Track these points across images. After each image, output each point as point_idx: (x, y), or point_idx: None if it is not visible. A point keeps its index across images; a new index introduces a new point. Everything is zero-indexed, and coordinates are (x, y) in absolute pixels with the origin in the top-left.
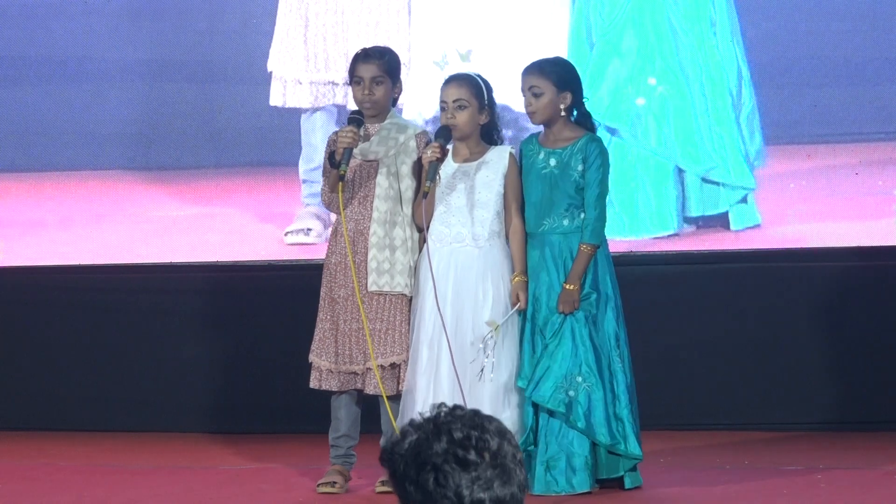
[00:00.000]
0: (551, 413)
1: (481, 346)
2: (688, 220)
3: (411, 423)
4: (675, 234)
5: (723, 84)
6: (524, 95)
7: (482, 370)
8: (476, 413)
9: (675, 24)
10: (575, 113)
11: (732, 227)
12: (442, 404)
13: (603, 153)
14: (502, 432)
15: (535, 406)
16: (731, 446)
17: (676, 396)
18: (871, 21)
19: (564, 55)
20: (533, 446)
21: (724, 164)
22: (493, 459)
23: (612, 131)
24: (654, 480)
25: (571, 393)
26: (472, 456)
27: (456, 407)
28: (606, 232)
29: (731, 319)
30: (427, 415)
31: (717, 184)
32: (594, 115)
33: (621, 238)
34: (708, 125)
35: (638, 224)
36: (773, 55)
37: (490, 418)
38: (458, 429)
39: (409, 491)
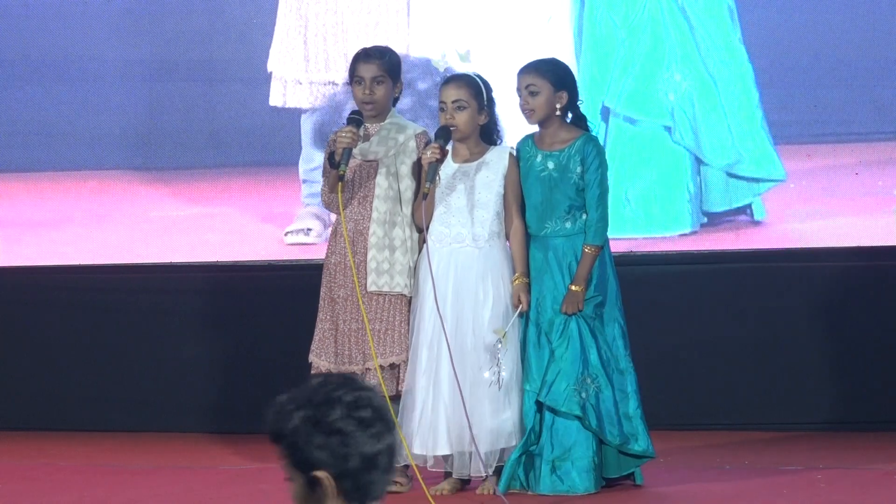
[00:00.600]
0: (556, 413)
1: (495, 356)
2: (707, 215)
3: (291, 398)
4: (694, 233)
5: (746, 76)
6: (520, 95)
7: (498, 380)
8: (349, 376)
9: (692, 18)
10: (570, 115)
11: (756, 217)
12: (316, 376)
13: (600, 153)
14: (373, 388)
15: (538, 406)
16: (731, 446)
17: (676, 396)
18: (871, 21)
19: (565, 56)
20: (536, 446)
21: (748, 157)
22: (377, 413)
23: (632, 121)
24: (654, 480)
25: (584, 395)
26: (367, 413)
27: (328, 375)
28: (622, 229)
29: (731, 319)
30: (300, 390)
31: (742, 178)
32: (626, 108)
33: (637, 236)
34: (733, 119)
35: (655, 221)
36: (773, 55)
37: (361, 379)
38: (346, 393)
39: (316, 457)
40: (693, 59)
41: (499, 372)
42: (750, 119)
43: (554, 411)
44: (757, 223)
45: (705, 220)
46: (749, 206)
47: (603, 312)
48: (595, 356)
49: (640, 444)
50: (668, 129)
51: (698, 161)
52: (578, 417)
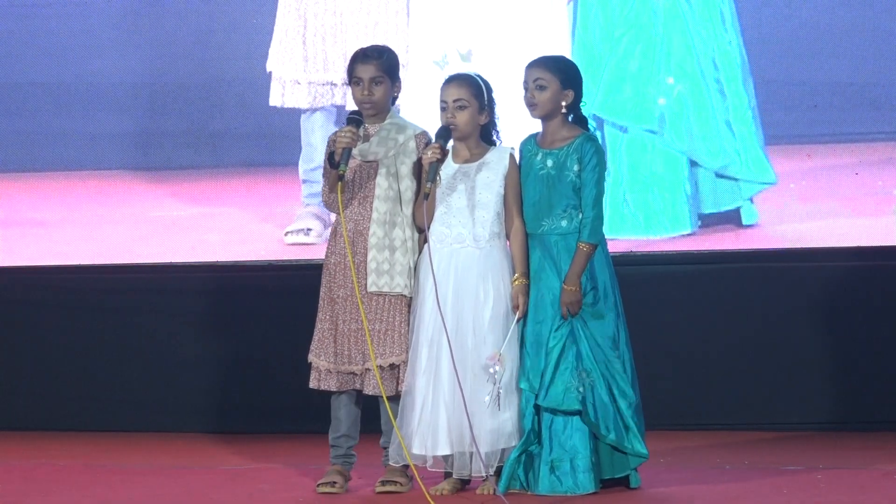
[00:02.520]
0: (555, 413)
1: (492, 379)
2: (700, 217)
3: None
4: (692, 234)
5: (737, 79)
6: (526, 89)
7: (497, 399)
8: None
9: (688, 21)
10: (571, 116)
11: (744, 221)
12: None
13: (598, 152)
14: None
15: (537, 407)
16: (731, 446)
17: (676, 396)
18: (872, 20)
19: (565, 55)
20: (536, 446)
21: (740, 159)
22: None
23: (623, 129)
24: (654, 480)
25: (581, 390)
26: None
27: None
28: (622, 230)
29: (731, 319)
30: None
31: (733, 179)
32: (612, 115)
33: (638, 237)
34: (724, 121)
35: (654, 223)
36: (773, 55)
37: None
38: None
39: None
40: (687, 62)
41: (497, 391)
42: (741, 123)
43: (553, 411)
44: (748, 227)
45: (699, 222)
46: (738, 209)
47: (593, 311)
48: (589, 355)
49: (633, 444)
50: (654, 133)
51: (692, 163)
52: (578, 412)
